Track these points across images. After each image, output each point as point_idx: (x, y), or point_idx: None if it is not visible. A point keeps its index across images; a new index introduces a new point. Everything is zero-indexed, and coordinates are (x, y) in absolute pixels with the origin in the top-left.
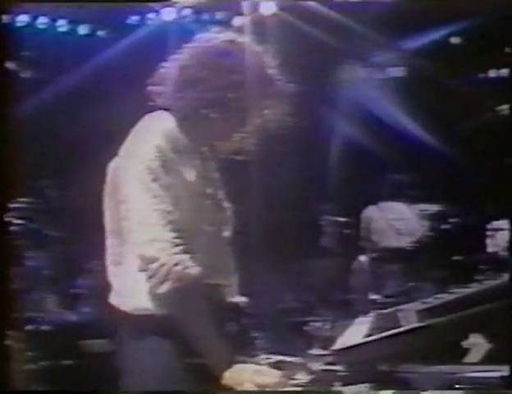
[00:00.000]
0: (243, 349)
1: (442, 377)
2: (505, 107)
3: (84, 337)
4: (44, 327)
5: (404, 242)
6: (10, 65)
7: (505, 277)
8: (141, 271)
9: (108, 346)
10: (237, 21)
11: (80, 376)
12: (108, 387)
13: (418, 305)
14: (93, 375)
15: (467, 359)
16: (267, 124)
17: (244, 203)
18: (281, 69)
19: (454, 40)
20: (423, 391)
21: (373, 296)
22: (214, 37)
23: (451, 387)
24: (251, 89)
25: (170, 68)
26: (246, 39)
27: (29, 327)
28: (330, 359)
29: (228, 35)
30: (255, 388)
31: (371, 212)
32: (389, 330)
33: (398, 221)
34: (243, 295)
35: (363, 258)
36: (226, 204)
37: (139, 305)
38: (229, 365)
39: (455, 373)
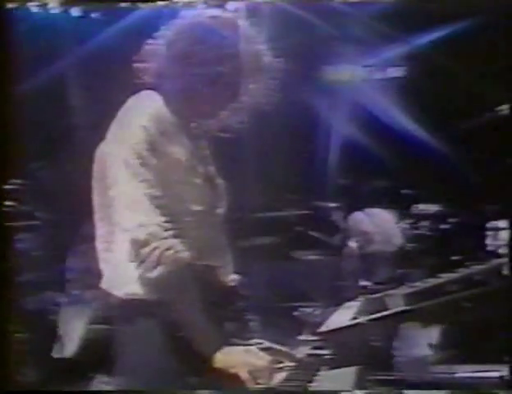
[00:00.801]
0: (235, 332)
1: (443, 377)
2: (505, 107)
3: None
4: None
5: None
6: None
7: (492, 262)
8: (132, 255)
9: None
10: (231, 5)
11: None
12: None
13: (404, 289)
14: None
15: None
16: (254, 100)
17: (235, 180)
18: (269, 45)
19: (454, 40)
20: (424, 390)
21: (363, 282)
22: (201, 13)
23: (451, 387)
24: (238, 63)
25: (156, 45)
26: (232, 15)
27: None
28: (317, 343)
29: (214, 11)
30: (246, 370)
31: (358, 217)
32: (376, 313)
33: (385, 225)
34: (236, 276)
35: (353, 243)
36: (218, 180)
37: (130, 290)
38: (220, 348)
39: (455, 372)
